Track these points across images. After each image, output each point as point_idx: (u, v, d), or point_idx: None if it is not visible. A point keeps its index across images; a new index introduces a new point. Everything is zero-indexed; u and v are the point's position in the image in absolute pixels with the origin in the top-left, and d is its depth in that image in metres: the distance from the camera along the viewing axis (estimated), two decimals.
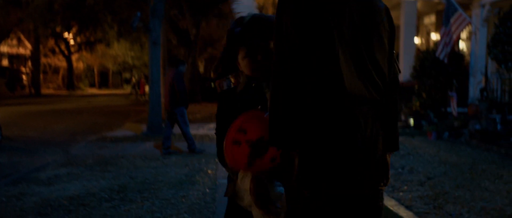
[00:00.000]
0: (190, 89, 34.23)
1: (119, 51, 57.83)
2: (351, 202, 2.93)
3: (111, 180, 9.54)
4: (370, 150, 2.92)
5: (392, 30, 3.10)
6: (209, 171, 10.64)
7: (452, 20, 15.88)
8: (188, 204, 7.89)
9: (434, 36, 26.60)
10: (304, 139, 2.82)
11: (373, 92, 2.89)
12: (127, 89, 63.75)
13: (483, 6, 17.13)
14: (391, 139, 3.09)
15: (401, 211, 6.71)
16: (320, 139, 2.82)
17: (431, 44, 27.28)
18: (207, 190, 8.84)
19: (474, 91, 17.04)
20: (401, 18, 21.82)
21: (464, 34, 19.95)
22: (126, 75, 77.79)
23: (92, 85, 66.43)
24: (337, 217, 2.90)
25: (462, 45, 20.49)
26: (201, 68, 44.61)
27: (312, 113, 2.81)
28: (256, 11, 3.40)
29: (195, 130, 18.01)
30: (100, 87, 67.29)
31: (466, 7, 17.60)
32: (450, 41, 15.89)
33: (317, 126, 2.81)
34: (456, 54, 17.07)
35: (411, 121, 16.35)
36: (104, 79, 69.75)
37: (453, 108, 15.06)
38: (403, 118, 17.18)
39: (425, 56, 17.23)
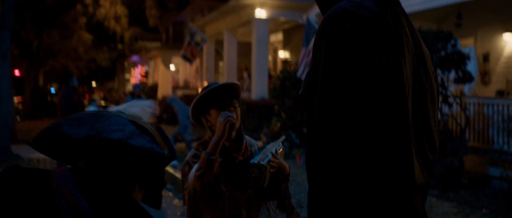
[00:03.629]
0: (31, 105, 31.56)
1: None
2: None
3: None
4: None
5: (437, 83, 2.52)
6: None
7: (312, 41, 15.02)
8: None
9: (282, 54, 26.04)
10: None
11: (426, 174, 2.33)
12: None
13: None
14: None
15: None
16: None
17: (279, 62, 26.74)
18: None
19: None
20: (253, 36, 21.04)
21: None
22: None
23: None
24: None
25: None
26: (41, 81, 41.69)
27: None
28: None
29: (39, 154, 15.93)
30: None
31: None
32: (310, 61, 15.03)
33: None
34: None
35: None
36: None
37: None
38: (264, 139, 16.08)
39: (286, 76, 16.26)
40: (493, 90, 14.86)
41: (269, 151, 3.43)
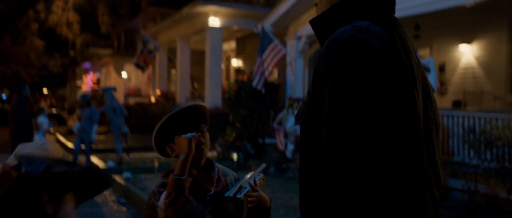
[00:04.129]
0: None
1: None
2: None
3: None
4: None
5: (438, 114, 2.28)
6: None
7: (267, 51, 14.61)
8: None
9: (235, 63, 25.65)
10: None
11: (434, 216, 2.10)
12: None
13: (299, 38, 16.05)
14: None
15: None
16: None
17: (232, 70, 26.27)
18: None
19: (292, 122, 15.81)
20: (206, 45, 20.56)
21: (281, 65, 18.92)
22: None
23: None
24: None
25: (281, 75, 19.40)
26: None
27: None
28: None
29: None
30: None
31: (281, 38, 16.44)
32: (265, 71, 14.60)
33: None
34: (272, 84, 15.77)
35: (235, 156, 14.63)
36: None
37: (280, 142, 13.60)
38: (219, 149, 15.45)
39: (242, 86, 15.72)
40: (449, 100, 14.64)
41: (247, 182, 2.89)
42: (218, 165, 3.10)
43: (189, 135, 2.81)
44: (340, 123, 1.82)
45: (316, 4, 2.17)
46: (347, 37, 1.86)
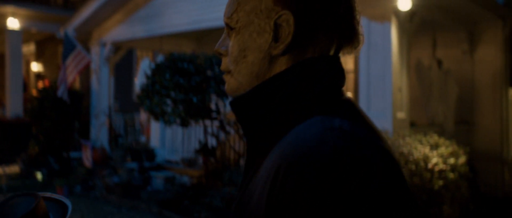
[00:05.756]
0: None
1: None
2: None
3: None
4: None
5: None
6: None
7: (70, 57, 12.98)
8: None
9: (35, 67, 23.46)
10: None
11: None
12: None
13: (104, 44, 14.38)
14: None
15: None
16: None
17: (32, 75, 23.96)
18: None
19: (96, 134, 14.20)
20: (6, 48, 18.29)
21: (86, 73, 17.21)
22: None
23: None
24: None
25: (85, 83, 17.61)
26: None
27: None
28: None
29: None
30: None
31: (85, 44, 14.75)
32: (67, 79, 12.97)
33: None
34: (76, 93, 14.09)
35: (39, 176, 12.72)
36: None
37: (86, 158, 11.95)
38: (22, 165, 13.47)
39: (45, 95, 13.86)
40: None
41: None
42: None
43: None
44: None
45: (228, 72, 1.30)
46: (330, 150, 1.03)
